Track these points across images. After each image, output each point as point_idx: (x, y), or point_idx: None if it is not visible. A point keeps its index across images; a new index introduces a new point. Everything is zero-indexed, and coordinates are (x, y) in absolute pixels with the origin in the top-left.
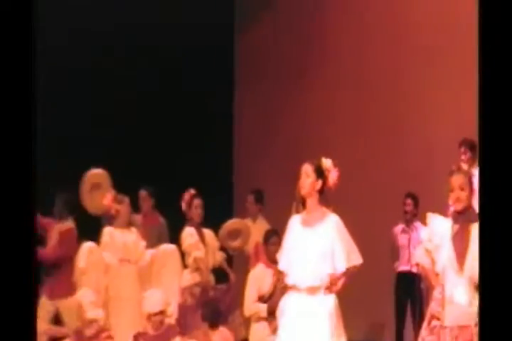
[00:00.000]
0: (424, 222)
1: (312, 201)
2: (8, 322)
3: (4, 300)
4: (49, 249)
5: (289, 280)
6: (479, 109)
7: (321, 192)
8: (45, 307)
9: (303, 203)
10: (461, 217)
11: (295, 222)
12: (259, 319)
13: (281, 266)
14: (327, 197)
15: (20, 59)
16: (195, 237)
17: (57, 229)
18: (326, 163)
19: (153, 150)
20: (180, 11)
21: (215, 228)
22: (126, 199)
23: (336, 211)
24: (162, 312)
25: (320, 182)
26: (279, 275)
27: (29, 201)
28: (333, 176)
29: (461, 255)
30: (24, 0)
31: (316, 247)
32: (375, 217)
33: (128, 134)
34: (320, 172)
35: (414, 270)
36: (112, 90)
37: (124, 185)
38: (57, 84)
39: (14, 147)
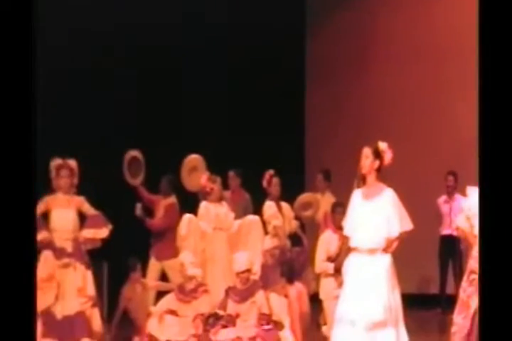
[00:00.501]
0: (463, 194)
1: (371, 178)
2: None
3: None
4: (156, 220)
5: (352, 243)
6: None
7: (378, 170)
8: (154, 267)
9: (363, 180)
10: None
11: (357, 196)
12: (328, 275)
13: (346, 231)
14: (383, 174)
15: (20, 58)
16: (274, 209)
17: (162, 204)
18: (382, 145)
19: (239, 137)
20: (258, 10)
21: (290, 201)
22: (218, 179)
23: (390, 185)
24: (248, 271)
25: (377, 162)
26: (344, 239)
27: (29, 200)
28: (388, 157)
29: None
30: (24, 0)
31: (374, 216)
32: (422, 190)
33: (219, 125)
34: (377, 154)
35: (455, 233)
36: (193, 87)
37: (216, 167)
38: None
39: (13, 148)
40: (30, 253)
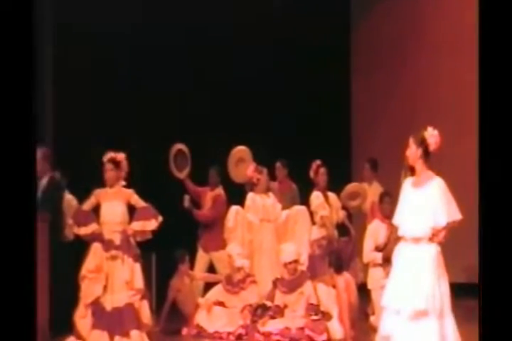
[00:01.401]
0: None
1: (419, 166)
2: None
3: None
4: (204, 212)
5: (400, 232)
6: None
7: (425, 157)
8: (202, 258)
9: (411, 169)
10: None
11: (407, 184)
12: (376, 265)
13: (395, 220)
14: (432, 161)
15: (20, 58)
16: (321, 199)
17: (209, 195)
18: (426, 132)
19: (286, 129)
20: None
21: (337, 191)
22: (265, 170)
23: (440, 173)
24: (296, 261)
25: (420, 151)
26: (392, 228)
27: (30, 199)
28: (432, 142)
29: None
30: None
31: (421, 205)
32: (470, 178)
33: (265, 116)
34: (421, 142)
35: None
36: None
37: (263, 158)
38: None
39: (15, 149)
40: (29, 253)
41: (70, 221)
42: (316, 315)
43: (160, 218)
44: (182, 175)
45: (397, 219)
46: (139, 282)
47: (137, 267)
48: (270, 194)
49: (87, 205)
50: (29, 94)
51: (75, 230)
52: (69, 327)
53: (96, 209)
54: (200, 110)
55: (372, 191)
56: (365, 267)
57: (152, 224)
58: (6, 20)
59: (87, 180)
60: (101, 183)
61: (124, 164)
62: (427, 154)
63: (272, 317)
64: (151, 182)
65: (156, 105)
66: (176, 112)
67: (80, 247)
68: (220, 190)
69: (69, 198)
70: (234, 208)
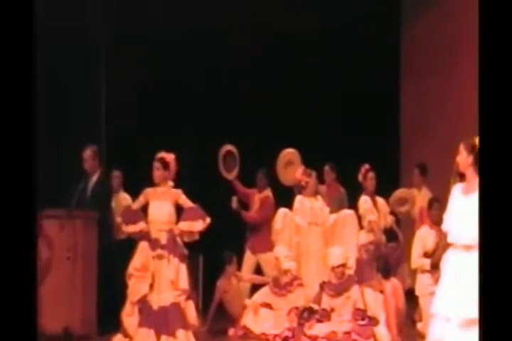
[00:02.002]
0: None
1: (469, 173)
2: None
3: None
4: (252, 214)
5: (450, 239)
6: None
7: (476, 164)
8: (249, 260)
9: (460, 176)
10: None
11: (457, 190)
12: (424, 271)
13: (444, 226)
14: None
15: (20, 58)
16: (370, 203)
17: (258, 197)
18: (477, 140)
19: (336, 133)
20: (351, 7)
21: (385, 196)
22: (314, 173)
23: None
24: (343, 265)
25: (471, 157)
26: (441, 235)
27: (30, 198)
28: None
29: None
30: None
31: (471, 211)
32: None
33: (315, 120)
34: (471, 149)
35: None
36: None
37: (312, 161)
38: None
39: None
40: (29, 254)
41: (118, 219)
42: (362, 319)
43: (208, 219)
44: (231, 176)
45: (446, 225)
46: (184, 282)
47: (183, 267)
48: (318, 197)
49: (137, 204)
50: (28, 93)
51: (123, 228)
52: (117, 325)
53: (145, 209)
54: (250, 112)
55: (422, 197)
56: (413, 273)
57: (199, 225)
58: (6, 20)
59: (143, 180)
60: (152, 183)
61: (173, 165)
62: (477, 161)
63: (319, 321)
64: (199, 183)
65: (207, 106)
66: (226, 114)
67: (129, 246)
68: (268, 192)
69: (124, 197)
70: (282, 210)
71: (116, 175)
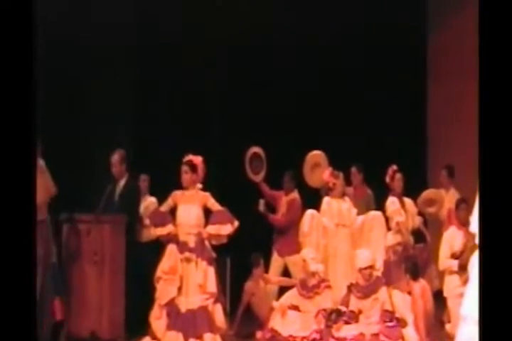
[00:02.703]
0: None
1: None
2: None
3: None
4: (279, 216)
5: (477, 240)
6: None
7: None
8: (276, 262)
9: None
10: None
11: None
12: (452, 272)
13: (472, 227)
14: None
15: (20, 58)
16: (397, 205)
17: (285, 200)
18: None
19: (362, 134)
20: (379, 11)
21: (413, 197)
22: (341, 175)
23: None
24: (371, 267)
25: None
26: (469, 236)
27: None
28: None
29: None
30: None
31: None
32: None
33: (342, 121)
34: None
35: None
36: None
37: (338, 163)
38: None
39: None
40: (29, 255)
41: (147, 221)
42: (390, 321)
43: (236, 223)
44: (257, 178)
45: (474, 226)
46: (212, 286)
47: (211, 271)
48: (346, 198)
49: (165, 207)
50: (28, 92)
51: (151, 231)
52: (145, 328)
53: (173, 211)
54: (276, 113)
55: (449, 198)
56: (441, 274)
57: (227, 229)
58: (6, 19)
59: (170, 183)
60: (180, 186)
61: (201, 167)
62: None
63: (347, 323)
64: (226, 186)
65: (234, 108)
66: (252, 115)
67: (157, 249)
68: (295, 195)
69: (151, 201)
70: (309, 212)
71: (144, 178)
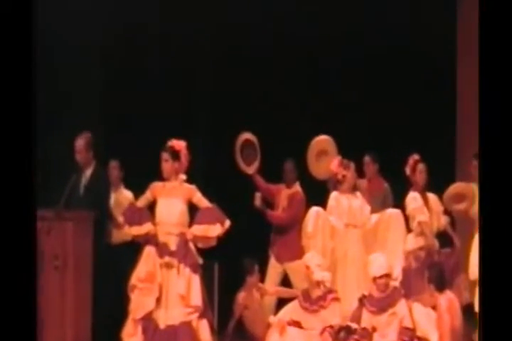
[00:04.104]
0: None
1: None
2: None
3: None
4: (279, 213)
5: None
6: None
7: None
8: (274, 269)
9: None
10: None
11: None
12: None
13: None
14: None
15: (21, 58)
16: (420, 201)
17: (285, 194)
18: None
19: (377, 116)
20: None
21: (439, 193)
22: (352, 165)
23: None
24: (387, 275)
25: None
26: None
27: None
28: None
29: None
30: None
31: None
32: None
33: (355, 104)
34: None
35: None
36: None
37: (349, 150)
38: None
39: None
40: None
41: (120, 219)
42: (411, 340)
43: (227, 222)
44: (250, 170)
45: None
46: (197, 298)
47: (195, 279)
48: (358, 194)
49: (142, 201)
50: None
51: (125, 230)
52: None
53: (151, 207)
54: (272, 93)
55: None
56: (472, 285)
57: (217, 229)
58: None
59: (148, 174)
60: (160, 177)
61: (185, 154)
62: None
63: None
64: (213, 178)
65: (222, 85)
66: (244, 93)
67: (132, 252)
68: (297, 188)
69: (124, 194)
70: (314, 210)
71: (114, 166)
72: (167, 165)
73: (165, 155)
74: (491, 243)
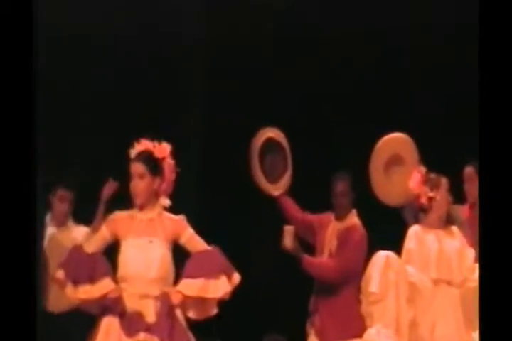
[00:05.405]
0: None
1: None
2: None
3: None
4: (324, 259)
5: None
6: None
7: None
8: None
9: None
10: None
11: None
12: None
13: None
14: None
15: (21, 58)
16: None
17: (333, 228)
18: None
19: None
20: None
21: None
22: (444, 181)
23: None
24: None
25: None
26: None
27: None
28: None
29: None
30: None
31: None
32: None
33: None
34: None
35: None
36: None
37: (434, 157)
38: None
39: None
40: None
41: (59, 274)
42: None
43: (236, 276)
44: (276, 188)
45: None
46: None
47: None
48: (454, 229)
49: (94, 243)
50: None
51: (68, 292)
52: None
53: (112, 252)
54: (302, 78)
55: None
56: None
57: (221, 287)
58: (6, 19)
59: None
60: (127, 201)
61: (169, 165)
62: None
63: None
64: (213, 201)
65: (224, 69)
66: (258, 81)
67: (81, 326)
68: (354, 220)
69: (68, 230)
70: (382, 255)
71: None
72: (139, 182)
73: (137, 167)
74: (491, 243)
